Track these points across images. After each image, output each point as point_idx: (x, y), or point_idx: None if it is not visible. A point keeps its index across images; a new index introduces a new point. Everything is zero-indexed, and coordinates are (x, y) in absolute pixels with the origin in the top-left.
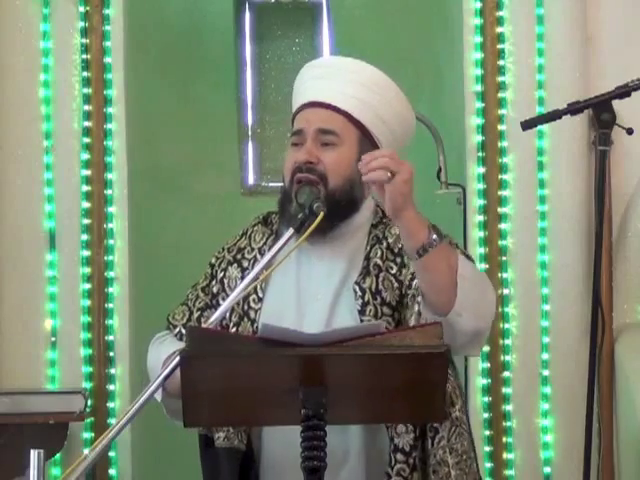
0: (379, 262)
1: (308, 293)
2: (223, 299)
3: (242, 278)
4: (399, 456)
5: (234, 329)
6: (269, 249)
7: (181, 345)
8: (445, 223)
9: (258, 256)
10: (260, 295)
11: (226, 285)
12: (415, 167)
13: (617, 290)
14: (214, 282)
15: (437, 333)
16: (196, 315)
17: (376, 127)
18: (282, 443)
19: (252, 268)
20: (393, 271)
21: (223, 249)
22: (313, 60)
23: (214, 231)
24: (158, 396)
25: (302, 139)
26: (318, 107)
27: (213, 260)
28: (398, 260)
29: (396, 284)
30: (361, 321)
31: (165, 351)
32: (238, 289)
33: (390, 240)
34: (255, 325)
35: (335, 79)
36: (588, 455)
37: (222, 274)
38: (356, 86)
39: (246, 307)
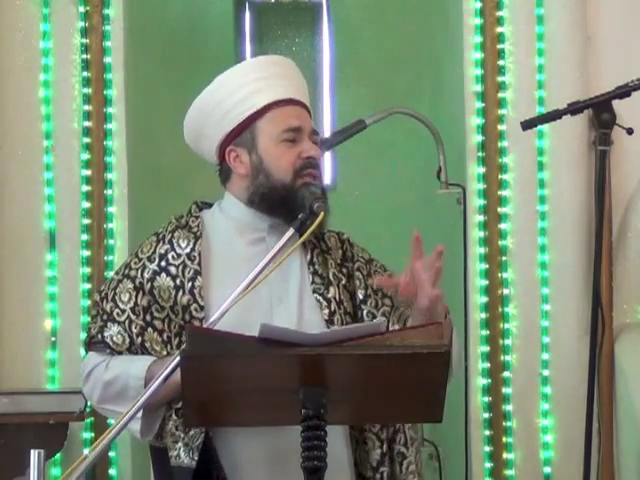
0: (336, 273)
1: (269, 294)
2: (157, 310)
3: (175, 287)
4: (369, 473)
5: (176, 340)
6: (199, 255)
7: (145, 358)
8: (445, 223)
9: (187, 261)
10: (201, 303)
11: (157, 296)
12: (415, 167)
13: (617, 290)
14: (141, 295)
15: (438, 333)
16: (138, 341)
17: None
18: (246, 458)
19: (182, 276)
20: (343, 282)
21: (140, 259)
22: (249, 60)
23: None
24: (136, 423)
25: (299, 136)
26: (297, 105)
27: (133, 272)
28: (344, 271)
29: (348, 295)
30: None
31: (135, 366)
32: (237, 291)
33: (333, 252)
34: None
35: (292, 77)
36: (588, 455)
37: (149, 285)
38: (302, 82)
39: (188, 317)
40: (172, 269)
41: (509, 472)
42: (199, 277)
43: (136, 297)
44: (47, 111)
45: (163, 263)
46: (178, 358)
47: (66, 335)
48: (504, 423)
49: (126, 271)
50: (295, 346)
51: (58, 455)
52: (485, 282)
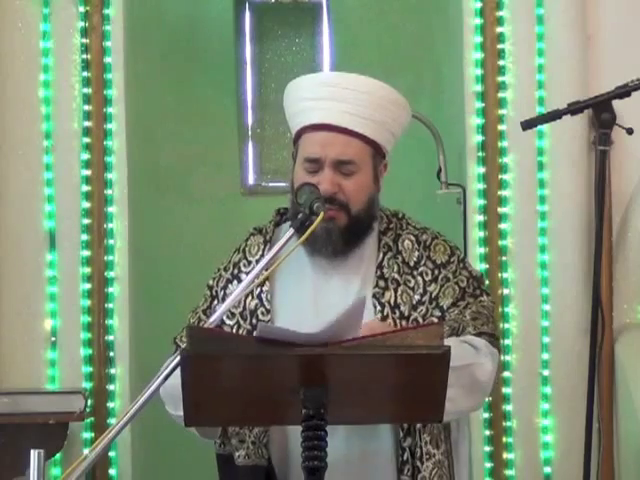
0: (397, 276)
1: (327, 305)
2: (228, 317)
3: (245, 294)
4: None
5: None
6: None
7: None
8: (445, 223)
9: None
10: (267, 307)
11: None
12: (415, 167)
13: (617, 290)
14: (215, 302)
15: (438, 333)
16: None
17: (387, 142)
18: None
19: (252, 281)
20: (411, 285)
21: (219, 269)
22: (318, 74)
23: (214, 231)
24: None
25: (319, 167)
26: (333, 131)
27: (211, 282)
28: (415, 273)
29: (413, 296)
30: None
31: None
32: (238, 289)
33: (405, 254)
34: None
35: (349, 100)
36: (588, 455)
37: (222, 292)
38: (371, 107)
39: (254, 321)
40: (243, 276)
41: (509, 472)
42: (267, 282)
43: (210, 303)
44: (47, 111)
45: (235, 271)
46: (178, 358)
47: (66, 335)
48: (504, 423)
49: (209, 282)
50: (295, 346)
51: (58, 455)
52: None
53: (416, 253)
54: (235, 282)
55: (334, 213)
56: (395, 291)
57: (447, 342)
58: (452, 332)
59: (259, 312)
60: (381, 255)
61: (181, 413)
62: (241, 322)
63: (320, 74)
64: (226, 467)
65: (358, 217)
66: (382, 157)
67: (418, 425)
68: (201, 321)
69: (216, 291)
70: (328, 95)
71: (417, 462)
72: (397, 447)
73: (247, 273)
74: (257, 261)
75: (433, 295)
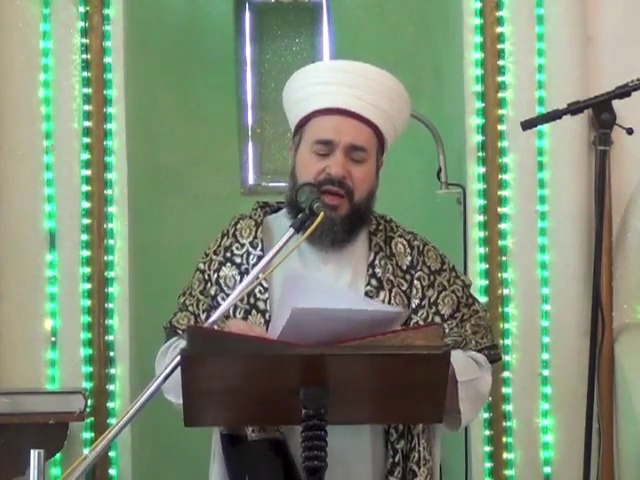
0: (391, 278)
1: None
2: (223, 299)
3: (240, 274)
4: None
5: None
6: (261, 241)
7: None
8: (445, 223)
9: (250, 249)
10: (265, 285)
11: (223, 285)
12: (415, 167)
13: (617, 290)
14: (209, 285)
15: (438, 334)
16: (203, 317)
17: (390, 136)
18: None
19: (246, 263)
20: (404, 288)
21: (207, 254)
22: (326, 61)
23: (214, 231)
24: None
25: (330, 150)
26: (347, 116)
27: (202, 266)
28: (407, 277)
29: (406, 300)
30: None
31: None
32: (238, 289)
33: (398, 258)
34: (267, 315)
35: (359, 87)
36: (588, 455)
37: (216, 275)
38: (382, 97)
39: (252, 300)
40: (237, 259)
41: (509, 472)
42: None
43: (205, 285)
44: (47, 111)
45: (228, 254)
46: (178, 358)
47: (66, 335)
48: (504, 423)
49: (199, 266)
50: (296, 346)
51: (58, 455)
52: (485, 282)
53: (409, 257)
54: (228, 265)
55: (338, 201)
56: (390, 292)
57: (456, 355)
58: (455, 345)
59: (257, 291)
60: (372, 254)
61: (171, 398)
62: (238, 303)
63: (329, 61)
64: (235, 447)
65: (359, 207)
66: (382, 153)
67: (417, 430)
68: (200, 302)
69: (209, 275)
70: (339, 80)
71: (413, 466)
72: (382, 447)
73: (240, 256)
74: (250, 243)
75: (432, 300)
